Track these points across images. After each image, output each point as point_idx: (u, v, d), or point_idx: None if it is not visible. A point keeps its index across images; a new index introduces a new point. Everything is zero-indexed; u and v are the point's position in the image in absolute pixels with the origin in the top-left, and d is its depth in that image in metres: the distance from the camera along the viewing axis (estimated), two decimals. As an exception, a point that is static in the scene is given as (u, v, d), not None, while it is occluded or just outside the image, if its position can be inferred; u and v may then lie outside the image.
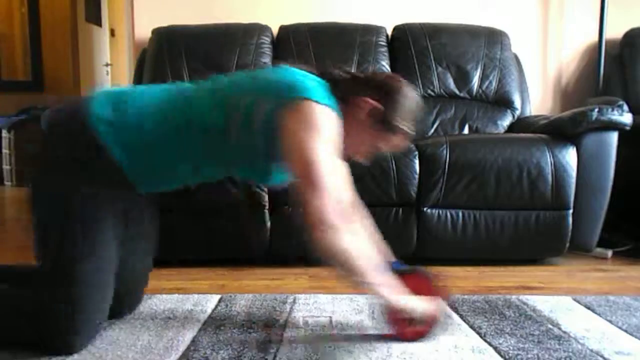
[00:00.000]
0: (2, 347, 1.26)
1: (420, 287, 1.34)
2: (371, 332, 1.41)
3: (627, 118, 2.08)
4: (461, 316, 1.52)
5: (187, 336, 1.36)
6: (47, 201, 1.26)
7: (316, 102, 1.19)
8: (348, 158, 1.36)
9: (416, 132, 1.34)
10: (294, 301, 1.65)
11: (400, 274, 1.34)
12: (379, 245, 1.43)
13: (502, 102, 2.72)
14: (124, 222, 1.35)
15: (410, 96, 1.31)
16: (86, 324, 1.26)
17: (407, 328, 1.33)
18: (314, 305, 1.61)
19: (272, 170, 1.31)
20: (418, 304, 1.30)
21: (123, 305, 1.47)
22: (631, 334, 1.40)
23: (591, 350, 1.28)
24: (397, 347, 1.30)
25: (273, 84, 1.25)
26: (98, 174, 1.25)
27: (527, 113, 2.80)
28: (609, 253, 2.31)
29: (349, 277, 1.20)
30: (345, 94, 1.28)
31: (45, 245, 1.26)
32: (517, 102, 2.73)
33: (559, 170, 2.07)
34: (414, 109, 1.32)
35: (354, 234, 1.22)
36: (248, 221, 2.03)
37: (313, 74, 1.30)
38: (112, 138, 1.23)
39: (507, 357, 1.25)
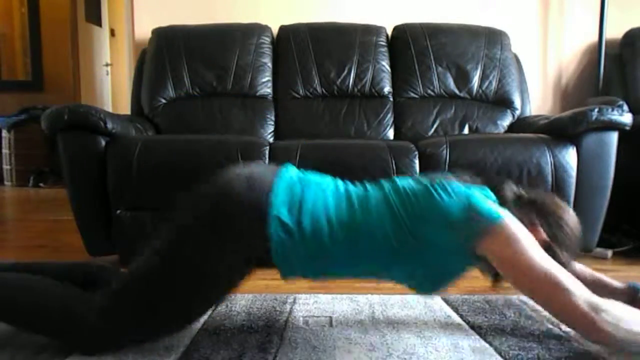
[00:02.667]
0: (11, 343, 1.26)
1: None
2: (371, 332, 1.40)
3: (627, 118, 2.08)
4: (461, 316, 1.52)
5: (187, 336, 1.36)
6: (187, 241, 1.23)
7: (503, 219, 1.19)
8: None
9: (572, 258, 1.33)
10: (294, 301, 1.65)
11: None
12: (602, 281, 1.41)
13: (502, 102, 2.72)
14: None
15: (575, 227, 1.31)
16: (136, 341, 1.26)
17: None
18: (314, 305, 1.61)
19: (446, 285, 1.32)
20: None
21: None
22: (631, 334, 1.40)
23: (591, 350, 1.28)
24: (397, 347, 1.30)
25: (456, 213, 1.21)
26: (251, 252, 1.24)
27: (527, 113, 2.80)
28: (609, 253, 2.31)
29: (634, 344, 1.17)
30: (517, 215, 1.26)
31: (159, 274, 1.23)
32: (517, 102, 2.73)
33: (559, 170, 2.07)
34: (576, 241, 1.31)
35: (608, 304, 1.17)
36: None
37: (483, 187, 1.29)
38: (278, 241, 1.20)
39: (507, 357, 1.25)
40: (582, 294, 1.14)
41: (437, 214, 1.22)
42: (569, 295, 1.14)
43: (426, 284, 1.32)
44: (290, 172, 1.33)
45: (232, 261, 1.24)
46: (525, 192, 1.34)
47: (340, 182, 1.35)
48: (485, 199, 1.24)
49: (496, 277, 1.34)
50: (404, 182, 1.31)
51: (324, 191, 1.29)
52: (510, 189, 1.33)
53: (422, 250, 1.23)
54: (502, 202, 1.28)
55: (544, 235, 1.27)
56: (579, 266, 1.42)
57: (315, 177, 1.35)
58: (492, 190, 1.30)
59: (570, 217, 1.32)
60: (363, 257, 1.24)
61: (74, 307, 1.24)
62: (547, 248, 1.24)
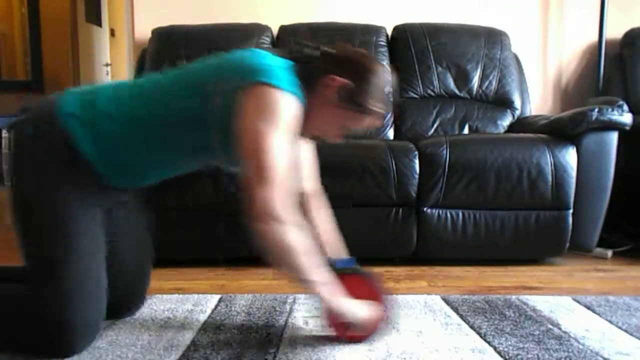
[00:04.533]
0: (3, 350, 1.26)
1: (360, 288, 1.31)
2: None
3: (627, 118, 2.08)
4: (461, 316, 1.52)
5: (187, 336, 1.36)
6: (25, 202, 1.26)
7: (276, 87, 1.16)
8: (318, 139, 1.35)
9: (388, 111, 1.30)
10: (294, 301, 1.65)
11: (341, 274, 1.31)
12: (332, 240, 1.42)
13: (502, 102, 2.72)
14: (109, 221, 1.34)
15: (381, 74, 1.27)
16: (80, 324, 1.23)
17: (345, 332, 1.30)
18: (314, 305, 1.61)
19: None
20: (357, 309, 1.27)
21: (124, 305, 1.47)
22: (631, 334, 1.40)
23: (591, 350, 1.28)
24: (397, 347, 1.30)
25: (237, 66, 1.23)
26: (71, 170, 1.24)
27: (527, 113, 2.80)
28: (609, 253, 2.31)
29: (289, 273, 1.18)
30: (313, 72, 1.25)
31: (28, 246, 1.26)
32: (517, 102, 2.73)
33: (559, 170, 2.07)
34: (384, 87, 1.27)
35: (300, 228, 1.18)
36: None
37: (281, 56, 1.27)
38: (81, 131, 1.23)
39: (507, 357, 1.25)
40: (284, 198, 1.13)
41: (219, 66, 1.25)
42: (270, 187, 1.12)
43: (228, 154, 1.26)
44: (74, 89, 1.35)
45: (77, 191, 1.24)
46: (336, 49, 1.30)
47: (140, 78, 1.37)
48: (267, 58, 1.22)
49: None
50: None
51: (118, 82, 1.36)
52: (312, 45, 1.30)
53: (206, 109, 1.21)
54: (302, 66, 1.25)
55: (343, 80, 1.23)
56: (326, 216, 1.43)
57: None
58: (292, 54, 1.29)
59: (377, 67, 1.27)
60: (152, 131, 1.25)
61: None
62: (349, 92, 1.23)
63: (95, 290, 1.27)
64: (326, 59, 1.28)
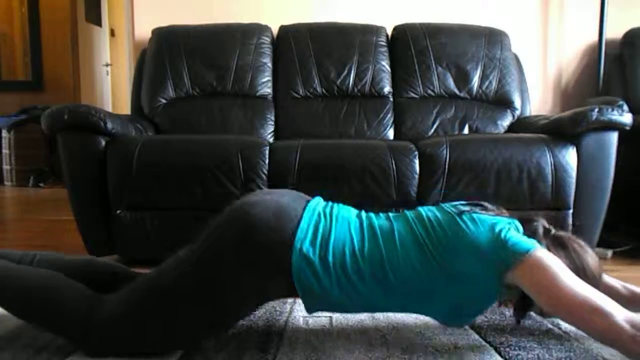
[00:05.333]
0: (9, 344, 1.27)
1: None
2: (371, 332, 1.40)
3: (627, 118, 2.08)
4: (461, 316, 1.52)
5: (187, 336, 1.36)
6: (220, 270, 1.22)
7: (537, 248, 1.18)
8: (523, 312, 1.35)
9: None
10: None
11: None
12: (626, 289, 1.42)
13: (502, 102, 2.72)
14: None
15: (596, 270, 1.30)
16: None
17: None
18: None
19: (475, 316, 1.30)
20: None
21: None
22: (631, 334, 1.40)
23: (592, 350, 1.28)
24: (397, 347, 1.30)
25: (485, 243, 1.20)
26: (273, 286, 1.25)
27: (527, 113, 2.80)
28: (609, 253, 2.31)
29: None
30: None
31: (182, 282, 1.23)
32: (517, 102, 2.73)
33: (559, 170, 2.07)
34: (596, 282, 1.29)
35: None
36: None
37: (511, 219, 1.28)
38: (309, 279, 1.20)
39: (507, 357, 1.25)
40: (621, 315, 1.13)
41: (466, 245, 1.21)
42: (609, 317, 1.12)
43: (457, 317, 1.29)
44: (317, 206, 1.33)
45: (251, 293, 1.24)
46: (555, 232, 1.33)
47: (364, 216, 1.33)
48: (512, 230, 1.23)
49: (521, 309, 1.32)
50: (429, 212, 1.31)
51: (349, 227, 1.28)
52: (541, 224, 1.32)
53: (452, 284, 1.21)
54: (530, 235, 1.27)
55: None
56: (610, 280, 1.41)
57: (340, 211, 1.33)
58: (520, 223, 1.30)
59: (592, 258, 1.31)
60: (391, 292, 1.23)
61: (86, 308, 1.23)
62: None
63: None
64: (550, 239, 1.30)
